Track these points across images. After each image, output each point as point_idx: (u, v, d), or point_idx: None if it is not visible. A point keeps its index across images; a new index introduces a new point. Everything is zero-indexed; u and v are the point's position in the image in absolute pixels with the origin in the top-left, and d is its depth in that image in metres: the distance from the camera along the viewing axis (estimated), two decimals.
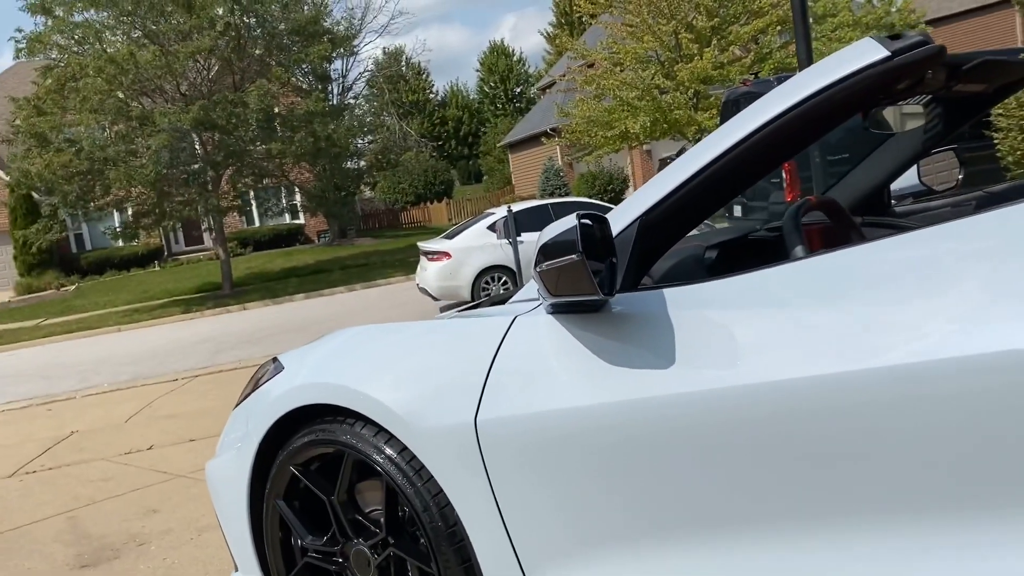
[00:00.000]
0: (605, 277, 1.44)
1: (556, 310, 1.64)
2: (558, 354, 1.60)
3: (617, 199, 16.43)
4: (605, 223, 1.50)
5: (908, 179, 2.65)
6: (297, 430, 2.04)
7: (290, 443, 2.04)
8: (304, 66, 19.86)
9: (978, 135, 6.42)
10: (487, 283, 10.57)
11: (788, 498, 1.32)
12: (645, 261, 1.64)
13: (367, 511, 2.01)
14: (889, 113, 2.42)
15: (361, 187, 25.10)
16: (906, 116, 2.46)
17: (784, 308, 1.37)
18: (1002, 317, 1.12)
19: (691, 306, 1.47)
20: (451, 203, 31.65)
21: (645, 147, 24.33)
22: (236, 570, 2.31)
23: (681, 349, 1.43)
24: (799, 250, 1.67)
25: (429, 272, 10.75)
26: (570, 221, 1.47)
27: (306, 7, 19.49)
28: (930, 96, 2.18)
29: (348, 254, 22.03)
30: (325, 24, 19.94)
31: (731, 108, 11.32)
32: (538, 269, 1.51)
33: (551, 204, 11.34)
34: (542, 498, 1.60)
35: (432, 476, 1.74)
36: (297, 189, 21.03)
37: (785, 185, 9.18)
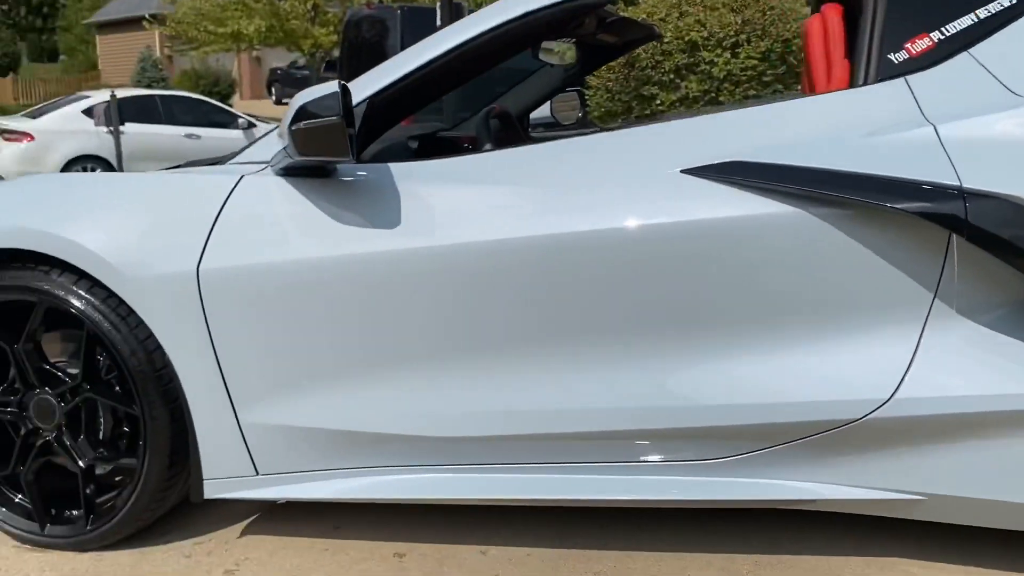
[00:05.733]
0: (351, 143, 1.80)
1: (288, 173, 1.97)
2: (288, 212, 1.94)
3: (224, 102, 16.44)
4: (349, 94, 1.84)
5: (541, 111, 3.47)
6: None
7: None
8: None
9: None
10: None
11: (489, 334, 1.89)
12: (366, 138, 2.05)
13: (53, 361, 2.15)
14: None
15: None
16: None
17: (478, 185, 1.92)
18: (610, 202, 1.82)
19: (409, 179, 1.95)
20: (18, 80, 28.86)
21: (255, 53, 23.92)
22: None
23: (401, 213, 1.90)
24: (488, 146, 2.28)
25: (4, 155, 9.86)
26: (331, 87, 1.80)
27: None
28: (575, 39, 2.99)
29: None
30: None
31: (353, 29, 11.93)
32: (293, 127, 1.80)
33: (159, 95, 11.09)
34: (259, 341, 1.94)
35: (142, 321, 1.95)
36: None
37: None
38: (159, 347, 1.98)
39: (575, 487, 1.97)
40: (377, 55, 12.01)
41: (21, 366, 2.11)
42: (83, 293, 1.98)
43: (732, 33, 7.37)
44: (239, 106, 18.89)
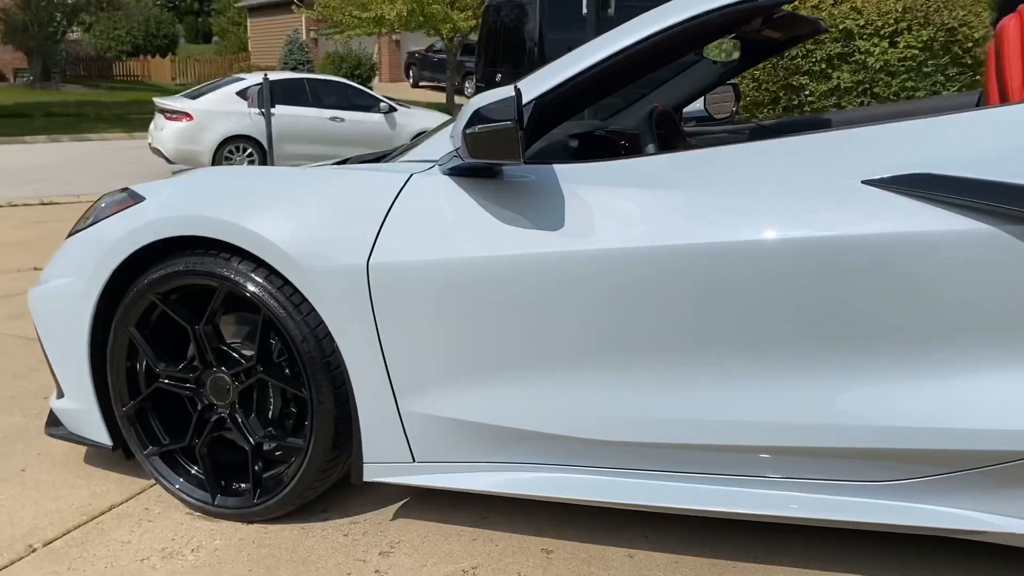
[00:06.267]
0: (521, 146, 1.84)
1: (455, 172, 2.04)
2: (454, 211, 2.00)
3: (365, 85, 17.18)
4: (522, 98, 1.87)
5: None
6: (149, 262, 2.23)
7: (152, 272, 2.21)
8: None
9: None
10: (231, 153, 10.51)
11: (646, 339, 1.88)
12: (531, 138, 2.08)
13: (229, 342, 2.30)
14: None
15: (73, 26, 24.46)
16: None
17: (645, 189, 1.91)
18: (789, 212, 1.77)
19: (573, 181, 1.97)
20: (176, 61, 31.00)
21: (395, 37, 24.86)
22: (60, 396, 2.48)
23: (564, 215, 1.93)
24: (651, 147, 2.26)
25: (166, 132, 10.47)
26: (506, 92, 1.84)
27: None
28: (735, 34, 2.93)
29: (55, 100, 21.18)
30: None
31: (492, 13, 12.14)
32: (467, 131, 1.85)
33: (307, 79, 11.52)
34: (422, 334, 2.02)
35: (313, 309, 2.07)
36: None
37: None
38: (328, 334, 2.08)
39: (728, 499, 1.94)
40: (516, 40, 12.04)
41: (201, 345, 2.26)
42: (260, 280, 2.10)
43: (892, 21, 7.00)
44: (378, 88, 19.45)
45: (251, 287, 2.10)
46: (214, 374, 2.27)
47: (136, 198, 2.32)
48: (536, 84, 2.04)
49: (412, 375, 2.05)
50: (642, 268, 1.86)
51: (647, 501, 1.99)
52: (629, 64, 2.06)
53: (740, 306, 1.82)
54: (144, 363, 2.35)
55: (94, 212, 2.43)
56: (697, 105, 3.60)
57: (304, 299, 2.08)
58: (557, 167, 2.01)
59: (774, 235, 1.78)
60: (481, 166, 1.97)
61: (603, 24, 8.08)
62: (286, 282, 2.09)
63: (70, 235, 2.47)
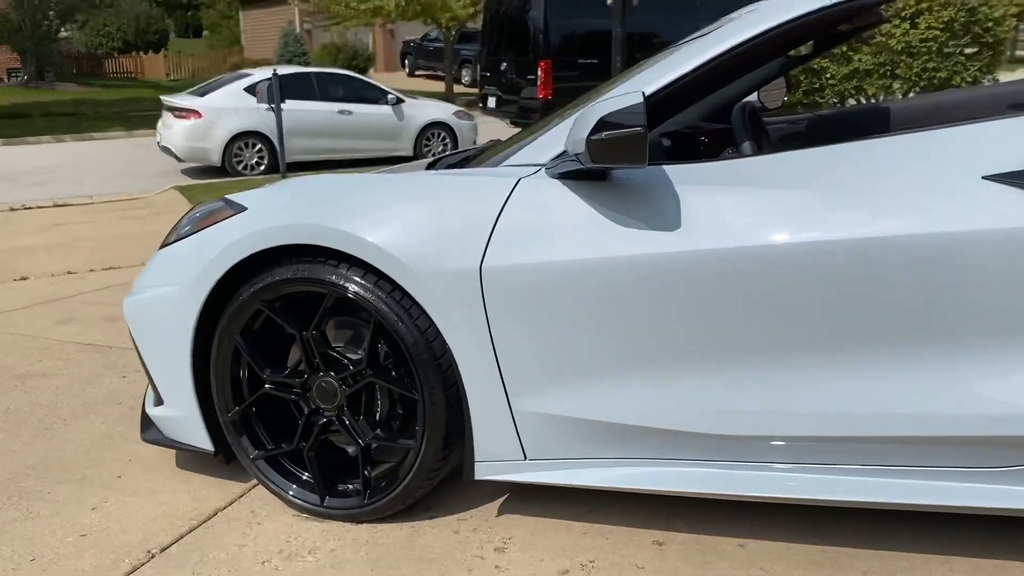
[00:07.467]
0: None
1: (565, 176, 2.07)
2: (565, 214, 2.04)
3: (362, 75, 17.12)
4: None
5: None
6: (247, 272, 2.26)
7: (259, 281, 2.24)
8: None
9: None
10: (240, 149, 10.59)
11: (756, 339, 1.92)
12: None
13: (333, 346, 2.33)
14: None
15: (66, 25, 24.71)
16: None
17: (759, 188, 1.94)
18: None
19: (684, 181, 2.01)
20: (168, 56, 31.15)
21: (389, 27, 24.90)
22: (158, 403, 2.51)
23: (678, 216, 1.96)
24: (747, 146, 2.30)
25: (175, 131, 10.52)
26: (634, 98, 1.85)
27: None
28: None
29: (51, 99, 21.18)
30: None
31: (495, 3, 12.22)
32: (594, 137, 1.86)
33: (314, 73, 11.57)
34: (535, 335, 2.05)
35: (424, 313, 2.11)
36: None
37: (539, 83, 10.45)
38: (438, 336, 2.11)
39: (837, 488, 1.98)
40: (520, 28, 12.07)
41: (308, 351, 2.29)
42: (370, 286, 2.13)
43: (912, 2, 7.05)
44: (374, 78, 19.38)
45: (361, 292, 2.14)
46: (321, 379, 2.31)
47: (236, 208, 2.34)
48: (644, 85, 2.08)
49: (525, 375, 2.09)
50: (760, 267, 1.89)
51: (758, 493, 2.02)
52: (732, 64, 2.09)
53: (861, 301, 1.86)
54: (247, 370, 2.38)
55: (187, 222, 2.46)
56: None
57: (414, 303, 2.12)
58: (667, 167, 2.04)
59: (897, 231, 1.81)
60: (601, 170, 1.99)
61: (628, 10, 8.13)
62: (395, 287, 2.12)
63: (163, 247, 2.49)
